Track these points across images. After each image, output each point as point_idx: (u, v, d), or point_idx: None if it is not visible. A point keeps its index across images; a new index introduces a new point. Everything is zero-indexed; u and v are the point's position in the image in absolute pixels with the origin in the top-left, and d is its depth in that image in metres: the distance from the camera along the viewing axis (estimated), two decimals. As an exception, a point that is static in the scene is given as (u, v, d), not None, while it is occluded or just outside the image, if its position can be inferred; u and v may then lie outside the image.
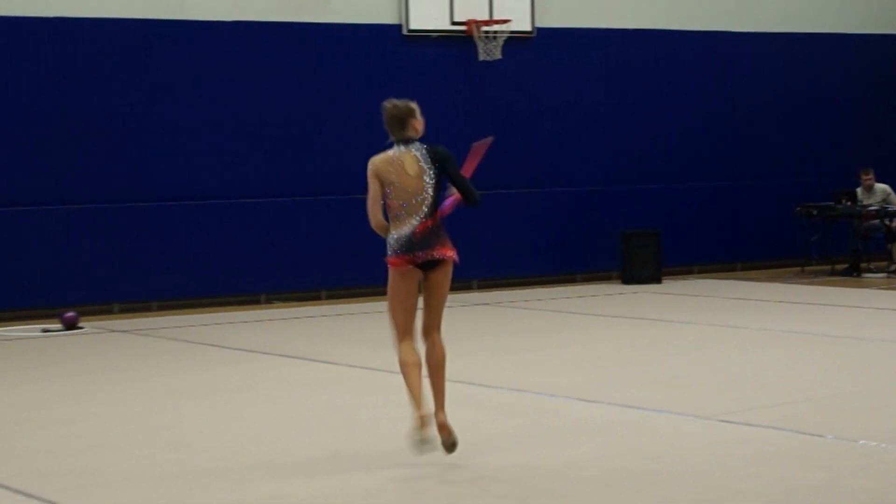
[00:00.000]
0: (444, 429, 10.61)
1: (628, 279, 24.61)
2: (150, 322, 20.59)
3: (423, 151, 11.30)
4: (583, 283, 24.94)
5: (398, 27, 23.84)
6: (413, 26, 23.86)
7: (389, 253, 11.05)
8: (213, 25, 22.36)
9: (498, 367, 15.57)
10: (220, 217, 22.26)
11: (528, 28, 24.60)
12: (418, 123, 11.51)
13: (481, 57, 24.08)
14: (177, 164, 22.03)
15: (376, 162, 11.25)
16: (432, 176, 11.10)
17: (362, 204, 22.95)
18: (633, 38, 25.68)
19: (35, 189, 21.08)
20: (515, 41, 24.37)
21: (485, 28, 24.05)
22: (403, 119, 11.38)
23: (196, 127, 22.00)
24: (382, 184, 11.14)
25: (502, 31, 24.13)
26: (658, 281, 24.52)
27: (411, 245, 10.89)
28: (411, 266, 10.98)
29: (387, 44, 23.72)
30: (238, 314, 21.40)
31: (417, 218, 10.88)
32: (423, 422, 10.29)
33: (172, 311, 21.54)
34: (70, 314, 20.02)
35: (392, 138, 11.32)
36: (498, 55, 24.09)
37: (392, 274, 11.11)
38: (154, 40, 22.01)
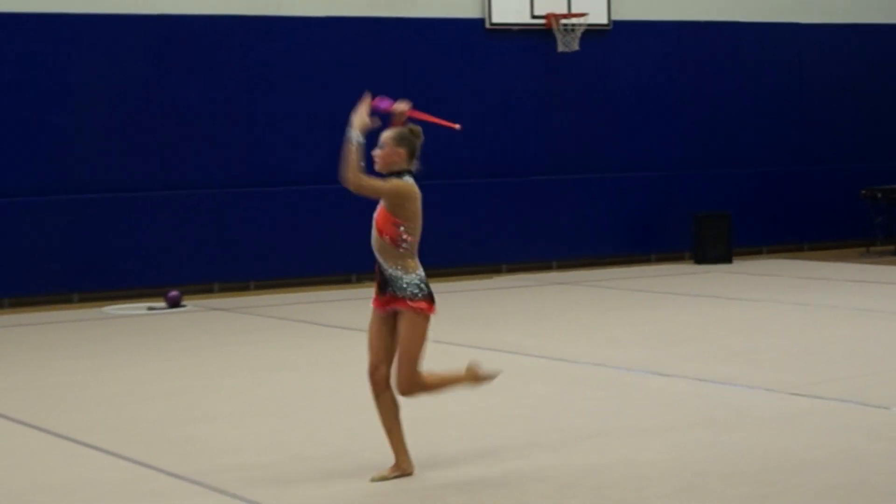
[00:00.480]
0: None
1: (700, 259, 24.54)
2: (248, 301, 20.68)
3: None
4: (657, 263, 24.86)
5: (482, 21, 23.82)
6: (495, 20, 23.86)
7: (422, 296, 9.41)
8: (308, 21, 22.42)
9: (577, 343, 15.55)
10: (313, 201, 22.30)
11: (604, 21, 24.56)
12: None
13: (560, 49, 24.05)
14: (273, 152, 22.10)
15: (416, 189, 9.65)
16: None
17: (443, 188, 23.14)
18: (704, 29, 25.57)
19: (144, 175, 21.20)
20: (592, 33, 24.32)
21: (563, 21, 24.03)
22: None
23: (292, 116, 22.04)
24: (416, 214, 9.58)
25: (580, 24, 24.11)
26: (728, 261, 24.43)
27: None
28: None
29: (471, 37, 23.72)
30: (330, 293, 21.45)
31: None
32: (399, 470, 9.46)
33: (269, 291, 21.62)
34: (174, 293, 20.13)
35: (410, 167, 9.77)
36: (576, 47, 24.05)
37: (426, 320, 9.48)
38: (253, 35, 22.08)
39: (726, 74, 25.79)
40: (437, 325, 17.03)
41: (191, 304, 20.16)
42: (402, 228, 9.43)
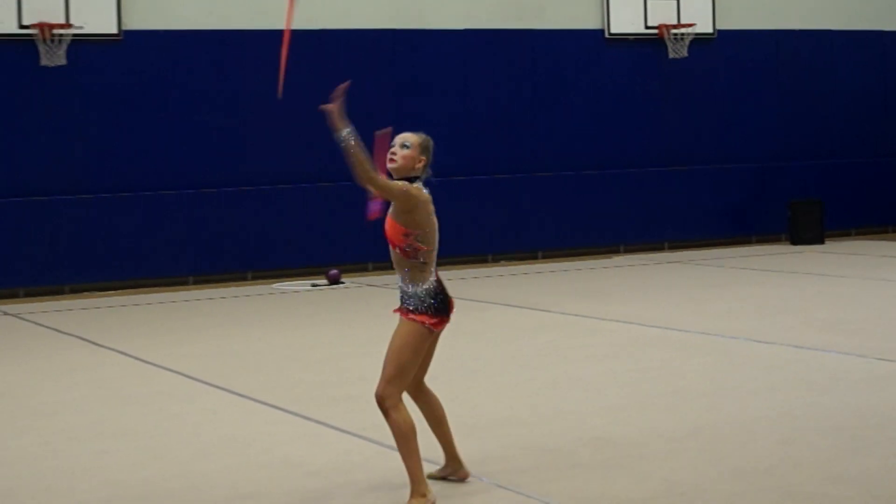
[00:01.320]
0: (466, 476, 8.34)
1: (795, 241, 24.38)
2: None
3: None
4: (756, 244, 24.74)
5: (601, 31, 23.83)
6: (614, 30, 23.85)
7: (430, 311, 8.17)
8: (448, 33, 22.53)
9: (687, 314, 15.54)
10: (454, 191, 22.42)
11: (709, 30, 24.49)
12: None
13: (671, 55, 24.05)
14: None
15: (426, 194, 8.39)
16: None
17: (569, 180, 23.20)
18: (798, 37, 25.43)
19: (304, 169, 21.41)
20: (699, 41, 24.29)
21: (674, 31, 24.00)
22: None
23: (435, 118, 22.15)
24: (430, 223, 8.40)
25: (688, 34, 24.06)
26: (821, 242, 24.27)
27: (446, 301, 8.31)
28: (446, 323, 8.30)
29: (592, 45, 23.74)
30: (469, 271, 21.55)
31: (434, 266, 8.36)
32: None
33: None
34: (334, 272, 20.32)
35: (425, 175, 8.54)
36: (685, 53, 24.04)
37: (423, 333, 8.14)
38: (401, 45, 22.24)
39: (817, 76, 25.63)
40: (566, 298, 17.19)
41: (349, 281, 20.36)
42: (412, 238, 8.20)
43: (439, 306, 8.11)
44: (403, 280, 8.19)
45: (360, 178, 7.81)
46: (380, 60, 22.19)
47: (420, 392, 8.40)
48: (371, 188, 8.04)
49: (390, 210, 8.18)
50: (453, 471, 8.31)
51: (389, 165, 8.20)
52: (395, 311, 8.19)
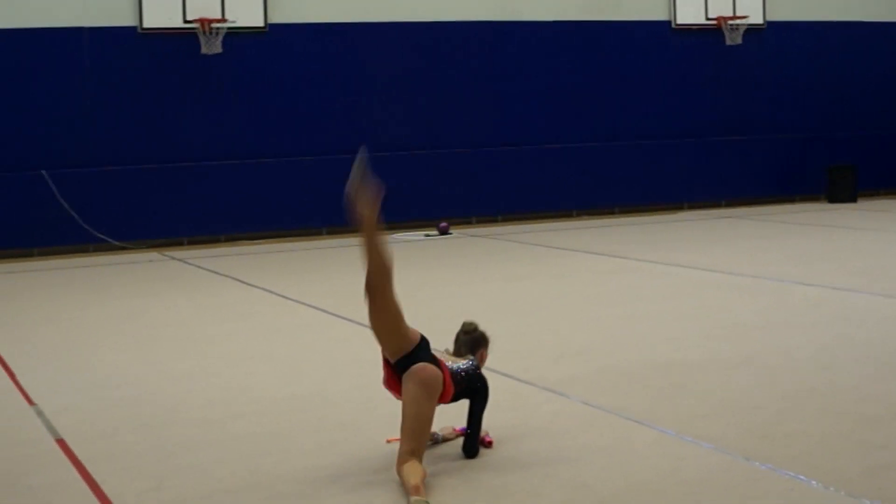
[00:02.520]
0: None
1: (832, 200, 24.16)
2: (497, 230, 20.84)
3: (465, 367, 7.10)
4: (799, 202, 24.49)
5: (668, 23, 23.62)
6: (679, 21, 23.62)
7: None
8: (539, 24, 22.45)
9: (739, 261, 15.41)
10: (546, 156, 22.47)
11: (760, 21, 24.17)
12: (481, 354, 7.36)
13: (727, 43, 23.80)
14: (507, 120, 22.29)
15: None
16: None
17: (642, 148, 23.07)
18: (839, 27, 25.05)
19: (416, 138, 21.48)
20: (752, 31, 23.99)
21: (730, 22, 23.72)
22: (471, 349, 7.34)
23: (528, 97, 22.19)
24: None
25: (742, 24, 23.79)
26: (854, 201, 24.01)
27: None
28: None
29: (660, 35, 23.55)
30: (554, 224, 21.53)
31: None
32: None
33: (512, 223, 21.77)
34: (443, 224, 20.37)
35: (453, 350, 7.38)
36: (739, 41, 23.76)
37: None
38: (497, 36, 22.20)
39: (853, 60, 25.23)
40: (638, 247, 17.14)
41: (456, 232, 20.40)
42: None
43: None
44: None
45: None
46: (480, 49, 22.15)
47: None
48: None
49: None
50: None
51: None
52: None
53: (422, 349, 6.87)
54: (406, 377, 6.69)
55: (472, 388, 7.02)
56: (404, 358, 6.78)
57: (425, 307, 12.36)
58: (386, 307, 6.95)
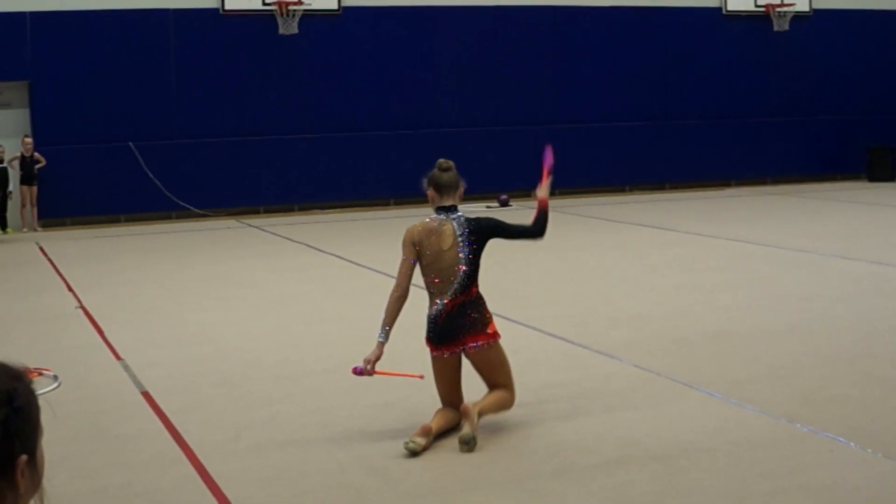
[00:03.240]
0: (471, 423, 6.44)
1: (872, 179, 23.98)
2: (554, 203, 20.65)
3: (463, 223, 6.92)
4: (840, 181, 24.28)
5: (719, 9, 23.44)
6: (729, 8, 23.46)
7: (425, 334, 6.86)
8: (599, 9, 22.36)
9: (785, 234, 15.30)
10: (597, 135, 22.39)
11: (807, 9, 23.97)
12: (460, 192, 7.18)
13: (775, 29, 23.59)
14: (578, 96, 22.23)
15: (414, 231, 6.94)
16: (469, 251, 6.86)
17: (689, 128, 22.94)
18: (879, 15, 24.78)
19: (478, 116, 21.46)
20: (798, 18, 23.81)
21: (778, 9, 23.52)
22: (455, 185, 7.11)
23: (588, 78, 22.13)
24: (418, 254, 6.85)
25: (789, 11, 23.58)
26: (893, 180, 23.79)
27: (438, 331, 6.75)
28: (445, 355, 6.79)
29: (712, 21, 23.38)
30: (608, 198, 21.47)
31: (448, 296, 6.78)
32: (422, 431, 6.35)
33: (568, 196, 21.70)
34: (504, 196, 20.34)
35: (436, 204, 7.06)
36: (786, 28, 23.58)
37: (432, 358, 6.84)
38: (560, 20, 22.12)
39: (891, 46, 24.96)
40: (688, 221, 17.02)
41: (515, 204, 20.36)
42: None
43: (429, 335, 6.81)
44: None
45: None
46: (541, 33, 22.06)
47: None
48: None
49: None
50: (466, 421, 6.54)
51: None
52: (456, 346, 6.82)
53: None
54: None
55: (486, 230, 6.96)
56: None
57: (486, 274, 12.33)
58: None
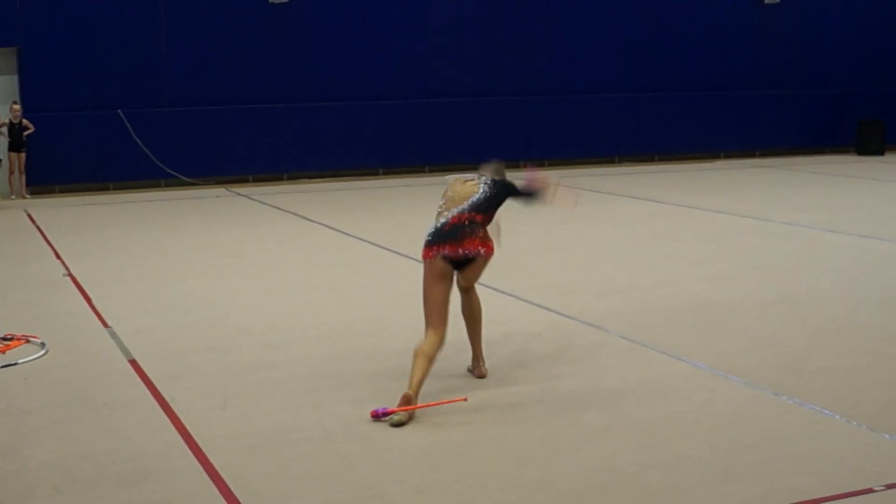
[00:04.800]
0: (482, 375, 7.26)
1: (860, 153, 23.99)
2: (545, 173, 20.71)
3: (488, 180, 7.23)
4: (829, 154, 24.29)
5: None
6: (720, -20, 23.46)
7: (424, 244, 7.04)
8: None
9: (773, 207, 15.32)
10: (589, 106, 22.36)
11: (799, -19, 23.99)
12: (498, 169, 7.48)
13: (766, 1, 23.56)
14: (573, 67, 22.18)
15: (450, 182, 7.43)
16: (486, 191, 7.13)
17: (677, 98, 22.79)
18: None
19: (465, 87, 21.39)
20: (791, -10, 23.84)
21: (769, -19, 23.54)
22: (496, 169, 7.47)
23: (584, 48, 22.08)
24: (445, 195, 7.21)
25: (781, -17, 23.60)
26: (881, 154, 23.79)
27: (440, 234, 6.98)
28: (439, 258, 6.90)
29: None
30: (598, 169, 21.45)
31: (456, 211, 7.05)
32: (404, 400, 6.45)
33: (559, 167, 21.69)
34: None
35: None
36: (777, 0, 23.53)
37: (424, 265, 6.96)
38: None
39: (884, 21, 24.93)
40: (677, 193, 17.03)
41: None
42: None
43: (427, 241, 6.98)
44: None
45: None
46: (536, 3, 21.98)
47: (465, 295, 7.28)
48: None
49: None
50: (474, 367, 7.31)
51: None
52: (454, 248, 7.01)
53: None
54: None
55: (505, 185, 7.26)
56: None
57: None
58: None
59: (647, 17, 22.78)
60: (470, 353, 7.35)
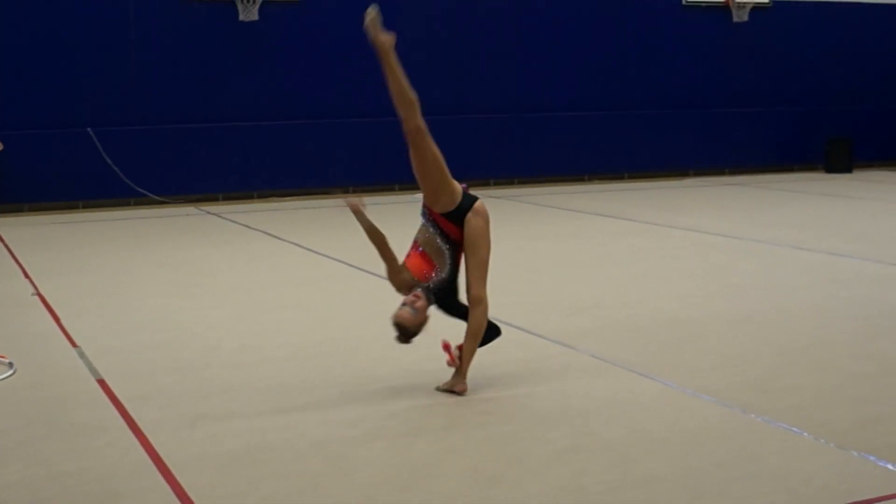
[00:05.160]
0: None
1: (829, 170, 24.09)
2: (514, 192, 20.80)
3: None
4: (798, 171, 24.40)
5: (679, 0, 23.49)
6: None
7: None
8: (557, -1, 22.45)
9: (742, 225, 15.36)
10: (558, 123, 22.39)
11: (766, 0, 24.02)
12: None
13: (734, 20, 23.65)
14: (538, 84, 22.22)
15: None
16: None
17: (648, 116, 22.88)
18: (839, 7, 24.88)
19: (438, 102, 21.42)
20: (758, 9, 23.81)
21: (737, 0, 23.56)
22: None
23: (549, 65, 22.15)
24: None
25: (749, 2, 23.60)
26: (850, 172, 23.94)
27: None
28: None
29: (671, 11, 23.39)
30: (568, 187, 21.48)
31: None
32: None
33: (528, 185, 21.72)
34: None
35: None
36: (746, 19, 23.63)
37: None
38: (522, 6, 22.11)
39: (851, 39, 25.09)
40: (646, 210, 17.08)
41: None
42: None
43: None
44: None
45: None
46: (505, 20, 22.02)
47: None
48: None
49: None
50: (455, 383, 7.26)
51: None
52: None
53: (466, 196, 7.49)
54: (474, 215, 7.31)
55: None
56: (457, 209, 7.38)
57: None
58: (424, 158, 7.47)
59: (615, 35, 22.85)
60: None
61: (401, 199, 19.49)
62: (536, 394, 7.22)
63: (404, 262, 7.37)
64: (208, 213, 18.31)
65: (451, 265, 7.31)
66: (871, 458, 5.91)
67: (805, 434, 6.29)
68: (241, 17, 19.92)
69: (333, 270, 12.33)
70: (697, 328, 9.02)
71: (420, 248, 7.45)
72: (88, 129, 19.15)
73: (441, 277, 7.27)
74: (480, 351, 7.42)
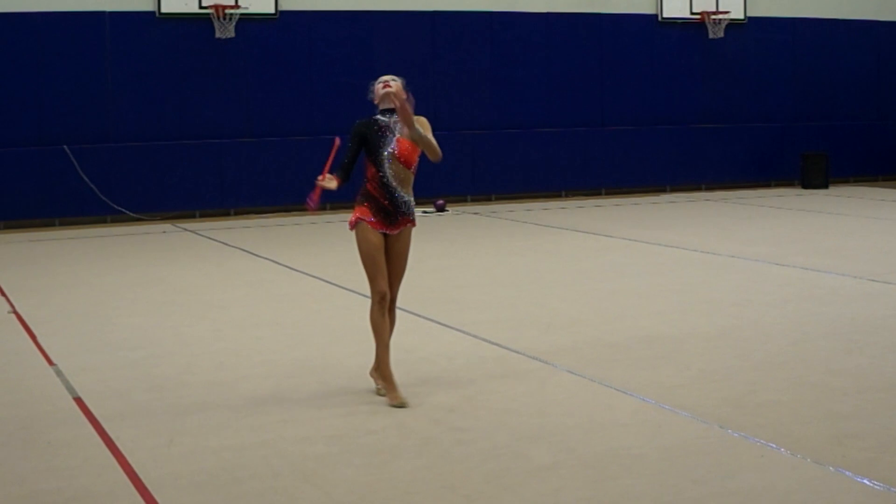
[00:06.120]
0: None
1: (805, 186, 24.17)
2: (491, 208, 20.82)
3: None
4: (774, 187, 24.50)
5: (655, 16, 23.54)
6: (665, 15, 23.53)
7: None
8: (534, 15, 22.43)
9: (718, 241, 15.41)
10: (537, 139, 22.44)
11: (742, 16, 24.12)
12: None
13: (710, 36, 23.76)
14: (515, 104, 22.26)
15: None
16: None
17: (625, 132, 22.90)
18: (813, 24, 25.00)
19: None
20: (733, 25, 23.94)
21: (713, 16, 23.68)
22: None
23: (524, 82, 22.22)
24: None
25: (724, 19, 23.74)
26: (826, 187, 24.02)
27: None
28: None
29: (648, 27, 23.48)
30: (545, 203, 21.51)
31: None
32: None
33: (505, 201, 21.76)
34: (440, 201, 20.32)
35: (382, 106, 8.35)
36: (721, 35, 23.73)
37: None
38: (496, 25, 22.16)
39: (826, 55, 25.21)
40: (623, 226, 17.13)
41: (452, 209, 20.36)
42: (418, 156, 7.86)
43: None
44: (408, 194, 7.81)
45: (433, 153, 7.78)
46: (479, 38, 22.07)
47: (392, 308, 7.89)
48: (435, 154, 7.78)
49: (406, 135, 7.94)
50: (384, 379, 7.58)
51: (386, 89, 8.22)
52: (403, 223, 7.76)
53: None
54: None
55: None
56: None
57: (422, 279, 12.35)
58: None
59: (592, 52, 22.93)
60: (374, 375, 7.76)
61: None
62: (514, 410, 7.22)
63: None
64: (185, 230, 18.27)
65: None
66: (848, 473, 5.93)
67: (782, 450, 6.31)
68: (218, 35, 19.92)
69: (310, 287, 12.31)
70: (675, 344, 9.04)
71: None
72: (64, 147, 19.10)
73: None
74: (456, 366, 7.41)
